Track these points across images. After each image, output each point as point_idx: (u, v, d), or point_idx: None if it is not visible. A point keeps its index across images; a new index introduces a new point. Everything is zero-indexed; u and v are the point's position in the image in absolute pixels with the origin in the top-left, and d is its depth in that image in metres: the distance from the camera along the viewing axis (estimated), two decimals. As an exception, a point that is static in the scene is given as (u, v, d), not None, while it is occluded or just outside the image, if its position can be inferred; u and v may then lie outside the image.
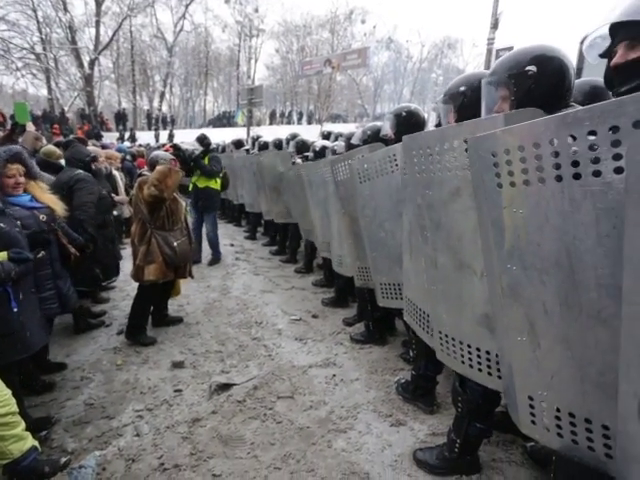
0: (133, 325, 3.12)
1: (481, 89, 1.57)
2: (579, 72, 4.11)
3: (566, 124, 0.84)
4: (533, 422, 1.17)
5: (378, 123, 3.07)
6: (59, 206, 2.46)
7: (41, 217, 2.29)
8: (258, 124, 25.56)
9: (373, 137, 2.93)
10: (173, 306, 3.66)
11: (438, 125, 2.29)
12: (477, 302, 1.37)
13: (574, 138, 0.82)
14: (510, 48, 10.98)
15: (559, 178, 0.89)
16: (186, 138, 12.74)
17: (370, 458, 1.92)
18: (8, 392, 1.73)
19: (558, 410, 1.09)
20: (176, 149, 4.71)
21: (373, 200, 2.34)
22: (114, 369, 2.78)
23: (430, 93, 32.53)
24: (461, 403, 1.66)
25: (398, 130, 2.53)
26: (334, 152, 3.96)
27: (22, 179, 2.24)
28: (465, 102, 1.76)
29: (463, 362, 1.50)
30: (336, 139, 4.81)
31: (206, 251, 5.30)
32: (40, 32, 22.28)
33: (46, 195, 2.41)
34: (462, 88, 1.77)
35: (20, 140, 4.33)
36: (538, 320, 1.08)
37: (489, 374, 1.40)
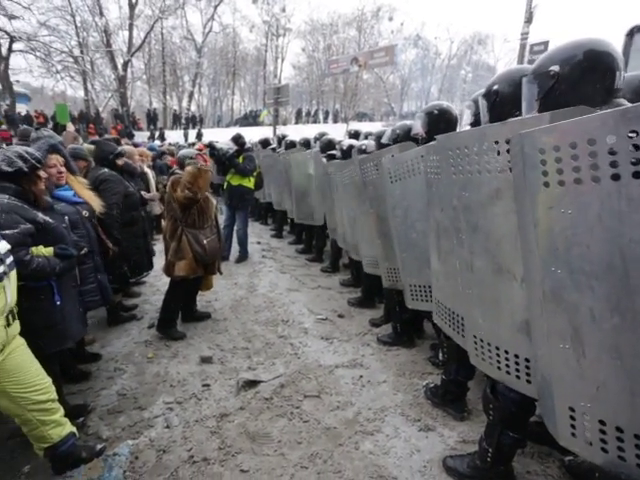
0: (164, 319, 3.20)
1: (515, 86, 1.52)
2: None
3: (627, 119, 0.79)
4: (573, 435, 1.12)
5: (408, 122, 3.02)
6: (96, 202, 2.56)
7: (84, 212, 2.39)
8: (284, 123, 25.76)
9: (403, 136, 2.88)
10: (201, 302, 3.73)
11: (474, 123, 2.23)
12: (517, 308, 1.32)
13: (637, 134, 0.77)
14: (546, 43, 10.57)
15: (616, 177, 0.84)
16: (214, 137, 12.99)
17: (398, 462, 1.89)
18: (48, 380, 1.80)
19: (603, 423, 1.04)
20: (211, 148, 4.81)
21: (404, 200, 2.30)
22: (145, 361, 2.86)
23: (459, 91, 31.81)
24: (493, 410, 1.60)
25: (430, 129, 2.48)
26: (362, 151, 3.92)
27: (63, 169, 2.34)
28: (497, 101, 1.70)
29: (499, 368, 1.45)
30: (366, 138, 4.75)
31: (234, 248, 5.38)
32: (78, 36, 23.22)
33: (85, 191, 2.51)
34: (495, 87, 1.71)
35: (61, 139, 4.50)
36: (584, 327, 1.03)
37: (528, 382, 1.35)
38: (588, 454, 1.09)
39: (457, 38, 33.63)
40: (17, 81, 22.42)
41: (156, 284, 4.33)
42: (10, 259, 1.62)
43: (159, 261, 3.70)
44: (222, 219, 4.63)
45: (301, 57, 34.32)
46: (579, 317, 1.02)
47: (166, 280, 3.27)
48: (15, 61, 21.53)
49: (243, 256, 5.32)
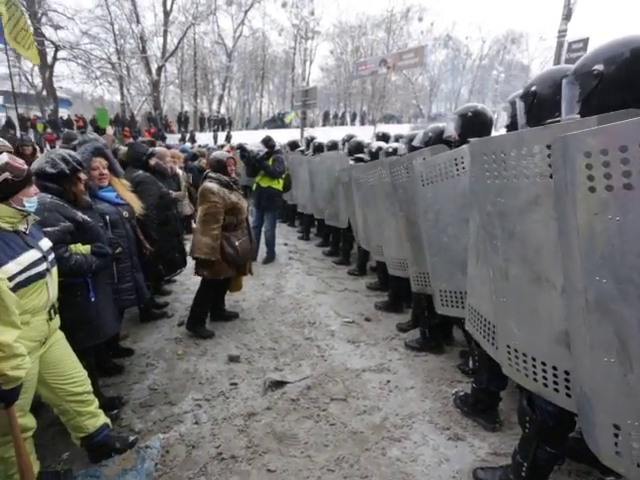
0: (194, 318, 3.28)
1: (555, 87, 1.46)
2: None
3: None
4: (618, 453, 1.06)
5: (440, 124, 2.97)
6: (137, 204, 2.66)
7: (124, 213, 2.49)
8: (311, 125, 25.90)
9: (435, 139, 2.83)
10: (229, 302, 3.79)
11: (510, 126, 2.17)
12: (556, 318, 1.26)
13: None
14: (585, 40, 10.11)
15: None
16: (242, 139, 13.22)
17: (426, 471, 1.85)
18: (84, 373, 1.88)
19: (654, 443, 0.98)
20: (242, 150, 4.90)
21: (436, 204, 2.26)
22: (175, 358, 2.94)
23: (490, 91, 30.99)
24: (529, 423, 1.54)
25: (463, 131, 2.43)
26: (389, 153, 3.88)
27: (106, 171, 2.45)
28: (535, 103, 1.64)
29: (536, 380, 1.39)
30: (396, 141, 4.71)
31: (261, 249, 5.45)
32: (116, 43, 24.31)
33: (127, 193, 2.61)
34: (533, 88, 1.65)
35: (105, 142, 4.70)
36: (632, 340, 0.97)
37: (568, 395, 1.29)
38: (634, 476, 1.03)
39: (489, 37, 32.86)
40: (60, 87, 23.69)
41: (186, 283, 4.45)
42: (52, 256, 1.71)
43: (188, 260, 3.80)
44: (251, 220, 4.70)
45: (329, 59, 34.49)
46: (627, 329, 0.97)
47: (196, 279, 3.36)
48: (59, 68, 22.76)
49: (270, 257, 5.38)
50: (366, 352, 2.98)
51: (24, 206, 1.54)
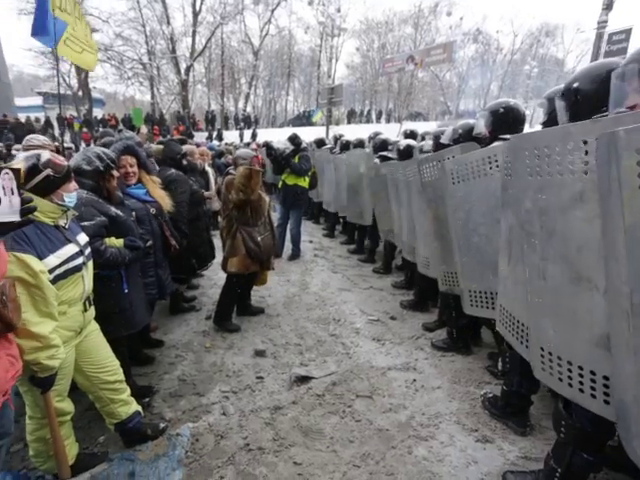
0: (221, 312, 3.35)
1: (599, 83, 1.40)
2: None
3: None
4: (662, 464, 1.02)
5: (471, 121, 2.90)
6: (167, 202, 2.73)
7: (151, 210, 2.57)
8: (337, 123, 25.84)
9: (465, 136, 2.78)
10: (255, 297, 3.86)
11: (547, 122, 2.10)
12: (596, 320, 1.22)
13: None
14: (628, 31, 9.62)
15: None
16: (268, 137, 13.33)
17: (454, 472, 1.83)
18: (117, 363, 1.96)
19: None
20: (268, 148, 4.96)
21: (467, 203, 2.22)
22: (203, 350, 3.02)
23: (521, 87, 29.96)
24: (565, 428, 1.50)
25: (494, 128, 2.37)
26: (423, 152, 3.82)
27: (133, 169, 2.53)
28: (577, 100, 1.58)
29: (571, 385, 1.35)
30: (423, 139, 4.63)
31: (286, 246, 5.50)
32: (147, 44, 25.10)
33: (158, 190, 2.69)
34: (575, 84, 1.59)
35: (139, 140, 4.87)
36: (680, 347, 0.93)
37: (606, 402, 1.24)
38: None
39: (522, 31, 31.73)
40: (94, 87, 24.63)
41: (213, 278, 4.55)
42: (89, 250, 1.79)
43: (217, 255, 3.89)
44: (275, 217, 4.74)
45: (355, 57, 34.30)
46: (675, 335, 0.93)
47: (223, 275, 3.43)
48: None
49: (296, 254, 5.42)
50: (391, 350, 2.97)
51: (64, 201, 1.60)
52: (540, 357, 1.47)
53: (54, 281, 1.55)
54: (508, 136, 2.22)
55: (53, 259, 1.54)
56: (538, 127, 2.33)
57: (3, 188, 1.07)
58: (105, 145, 2.45)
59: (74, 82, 23.40)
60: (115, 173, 2.13)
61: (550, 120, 2.06)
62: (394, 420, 2.20)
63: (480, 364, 2.72)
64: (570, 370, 1.34)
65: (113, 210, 2.09)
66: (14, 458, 1.99)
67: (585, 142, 1.14)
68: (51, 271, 1.53)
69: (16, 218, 1.11)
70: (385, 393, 2.44)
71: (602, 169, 1.05)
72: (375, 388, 2.49)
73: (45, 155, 1.57)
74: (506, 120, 2.33)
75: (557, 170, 1.24)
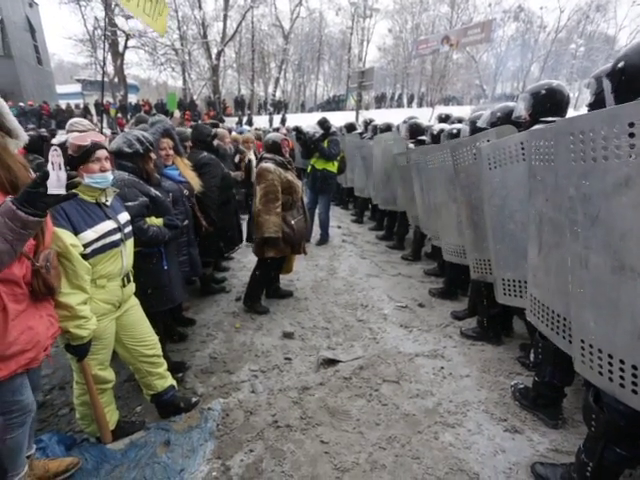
0: (251, 294, 3.43)
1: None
2: None
3: None
4: None
5: (510, 103, 2.78)
6: (196, 182, 2.82)
7: (184, 191, 2.65)
8: (366, 108, 25.38)
9: (504, 119, 2.66)
10: (284, 280, 3.91)
11: (594, 103, 1.98)
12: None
13: None
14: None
15: None
16: (297, 122, 13.29)
17: (480, 459, 1.82)
18: (156, 338, 2.06)
19: None
20: (298, 132, 4.94)
21: (504, 188, 2.14)
22: (233, 330, 3.12)
23: (565, 68, 28.19)
24: (595, 422, 1.45)
25: (535, 111, 2.25)
26: (452, 135, 3.70)
27: (171, 152, 2.61)
28: (624, 80, 1.47)
29: (611, 379, 1.30)
30: (459, 122, 4.43)
31: (315, 231, 5.52)
32: (179, 30, 25.32)
33: (188, 171, 2.77)
34: (620, 64, 1.48)
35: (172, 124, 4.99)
36: None
37: (648, 397, 1.19)
38: None
39: (569, 6, 29.69)
40: (128, 74, 25.28)
41: (242, 260, 4.65)
42: (129, 229, 1.87)
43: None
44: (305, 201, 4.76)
45: (387, 38, 33.34)
46: None
47: (252, 258, 3.49)
48: (128, 56, 24.29)
49: (324, 239, 5.44)
50: (419, 337, 2.95)
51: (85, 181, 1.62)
52: (581, 350, 1.42)
53: (92, 254, 1.63)
54: (550, 119, 2.12)
55: (90, 233, 1.62)
56: (584, 110, 2.20)
57: (52, 164, 1.15)
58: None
59: (110, 69, 24.07)
60: (153, 155, 2.20)
61: (597, 101, 1.94)
62: (421, 406, 2.20)
63: (511, 354, 2.67)
64: (611, 364, 1.29)
65: (153, 191, 2.17)
66: (61, 421, 2.15)
67: (632, 124, 1.08)
68: (88, 245, 1.61)
69: (63, 192, 1.19)
70: (412, 379, 2.44)
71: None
72: (402, 374, 2.49)
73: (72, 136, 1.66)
74: (548, 103, 2.21)
75: (602, 155, 1.18)
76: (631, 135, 1.10)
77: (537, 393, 2.05)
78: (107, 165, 1.70)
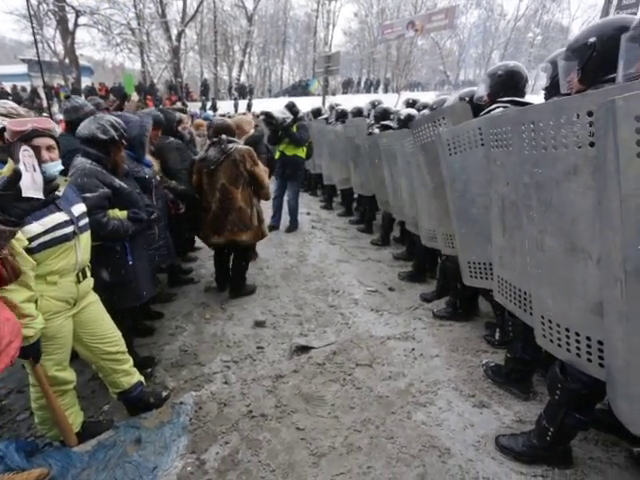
0: (241, 284, 3.47)
1: (618, 42, 1.34)
2: None
3: None
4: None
5: (474, 88, 2.83)
6: (158, 168, 2.74)
7: (157, 176, 2.56)
8: (333, 93, 25.18)
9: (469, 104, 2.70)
10: (253, 269, 3.87)
11: (549, 87, 2.05)
12: (591, 289, 1.24)
13: None
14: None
15: None
16: (264, 107, 12.99)
17: (451, 435, 1.90)
18: (118, 334, 1.97)
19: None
20: (268, 117, 4.81)
21: (464, 174, 2.18)
22: (203, 322, 3.06)
23: (524, 56, 29.06)
24: (560, 390, 1.55)
25: (493, 91, 2.33)
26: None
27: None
28: (594, 57, 1.52)
29: (569, 350, 1.39)
30: (419, 110, 4.47)
31: (284, 218, 5.46)
32: (135, 8, 23.79)
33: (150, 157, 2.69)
34: (591, 39, 1.52)
35: (126, 107, 4.75)
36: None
37: (601, 365, 1.28)
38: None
39: (528, -5, 30.42)
40: (81, 55, 23.60)
41: (209, 250, 4.53)
42: (84, 221, 1.74)
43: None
44: (271, 189, 4.68)
45: (353, 22, 32.99)
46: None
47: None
48: (80, 35, 22.65)
49: (293, 226, 5.40)
50: (390, 320, 3.02)
51: None
52: (541, 325, 1.52)
53: (38, 249, 1.52)
54: (507, 99, 2.18)
55: (36, 226, 1.50)
56: (541, 94, 2.27)
57: (24, 164, 1.04)
58: (87, 115, 2.36)
59: (60, 49, 22.41)
60: (124, 143, 2.08)
61: (553, 85, 2.01)
62: (394, 387, 2.26)
63: (477, 333, 2.78)
64: (568, 337, 1.39)
65: (117, 182, 2.04)
66: (21, 426, 2.05)
67: (578, 116, 1.13)
68: (34, 238, 1.50)
69: (40, 196, 1.08)
70: (384, 362, 2.50)
71: (600, 139, 1.05)
72: (375, 357, 2.54)
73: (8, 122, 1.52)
74: (505, 83, 2.29)
75: (552, 144, 1.25)
76: (577, 126, 1.15)
77: (511, 369, 2.14)
78: (47, 156, 1.55)
